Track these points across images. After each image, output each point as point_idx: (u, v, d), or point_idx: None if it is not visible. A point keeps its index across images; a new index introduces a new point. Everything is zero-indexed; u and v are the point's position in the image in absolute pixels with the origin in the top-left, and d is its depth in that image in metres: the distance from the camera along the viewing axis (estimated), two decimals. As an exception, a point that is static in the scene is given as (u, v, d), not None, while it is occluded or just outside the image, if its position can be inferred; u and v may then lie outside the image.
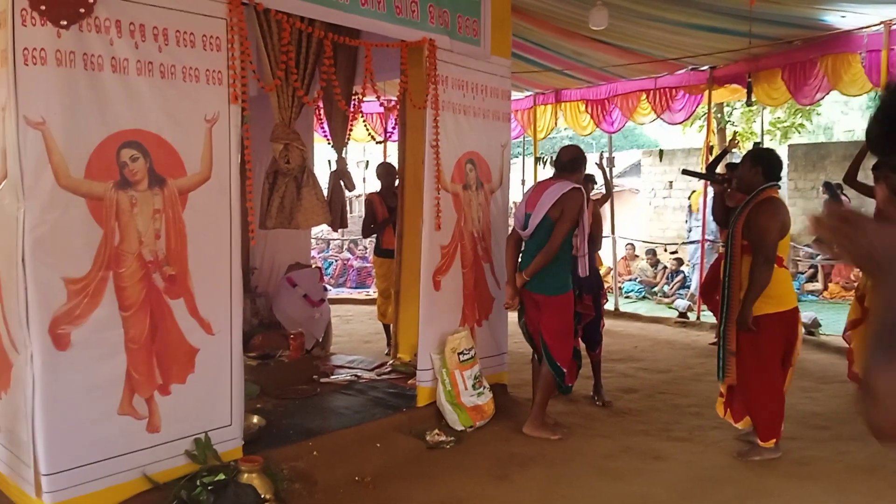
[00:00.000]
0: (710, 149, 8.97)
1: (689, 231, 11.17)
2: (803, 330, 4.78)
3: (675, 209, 17.48)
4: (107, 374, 3.19)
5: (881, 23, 6.31)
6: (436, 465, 4.13)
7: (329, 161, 6.03)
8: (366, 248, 14.32)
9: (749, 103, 8.31)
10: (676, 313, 9.27)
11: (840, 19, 6.45)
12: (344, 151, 5.88)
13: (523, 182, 11.05)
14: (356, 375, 5.53)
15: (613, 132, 9.74)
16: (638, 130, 29.46)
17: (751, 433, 4.34)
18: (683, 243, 13.40)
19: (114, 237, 3.18)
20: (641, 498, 3.71)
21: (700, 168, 10.19)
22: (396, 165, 5.90)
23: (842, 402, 5.39)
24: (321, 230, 14.59)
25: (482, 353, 5.02)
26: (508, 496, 3.76)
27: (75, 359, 3.08)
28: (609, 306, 9.73)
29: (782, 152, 15.64)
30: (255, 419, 4.13)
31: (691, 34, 7.16)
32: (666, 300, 10.82)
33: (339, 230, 8.00)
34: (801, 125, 16.08)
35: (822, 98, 7.39)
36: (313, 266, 6.75)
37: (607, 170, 6.76)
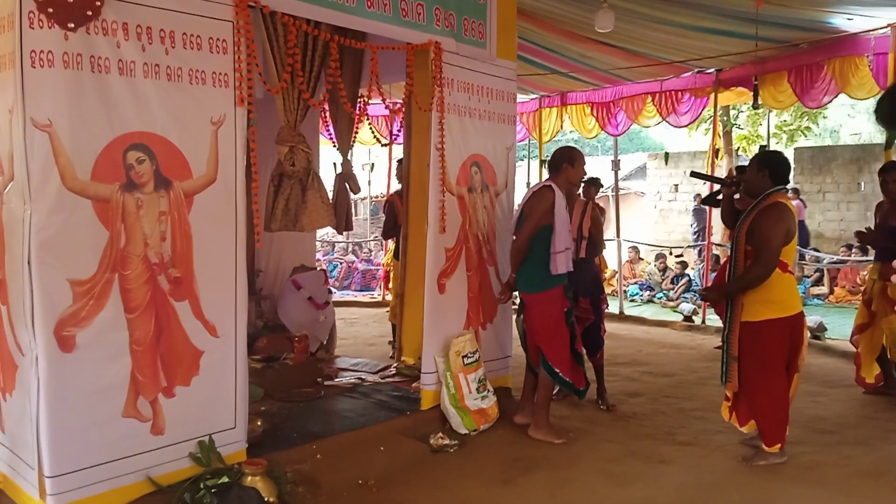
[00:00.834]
0: (715, 152, 8.95)
1: None
2: (809, 334, 4.76)
3: (680, 212, 17.49)
4: (111, 376, 3.19)
5: (888, 25, 6.29)
6: (440, 468, 4.12)
7: (334, 164, 6.04)
8: (370, 251, 14.33)
9: (755, 106, 8.30)
10: (682, 317, 9.25)
11: (847, 22, 6.43)
12: (349, 154, 5.89)
13: (528, 185, 11.04)
14: (360, 378, 5.54)
15: (618, 135, 9.73)
16: (643, 133, 29.45)
17: (756, 437, 4.32)
18: (688, 246, 13.40)
19: (119, 239, 3.18)
20: (646, 502, 3.70)
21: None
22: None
23: (848, 406, 5.37)
24: (326, 233, 14.62)
25: (486, 356, 5.02)
26: (513, 500, 3.75)
27: (80, 361, 3.08)
28: (614, 310, 9.73)
29: (788, 155, 15.63)
30: (259, 422, 4.12)
31: (697, 37, 7.15)
32: (671, 303, 10.80)
33: (344, 233, 7.99)
34: (808, 128, 16.06)
35: (830, 101, 7.37)
36: (318, 269, 6.75)
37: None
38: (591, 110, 9.58)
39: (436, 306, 4.76)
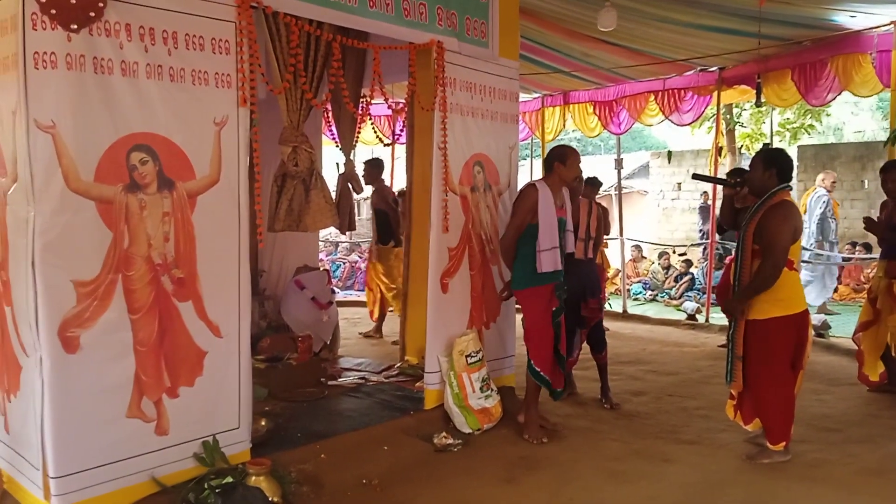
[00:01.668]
0: (719, 150, 8.93)
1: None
2: (813, 332, 4.75)
3: (683, 211, 17.46)
4: (115, 376, 3.20)
5: (891, 23, 6.27)
6: (443, 467, 4.12)
7: (337, 164, 6.04)
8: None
9: (758, 104, 8.28)
10: (685, 315, 9.24)
11: (850, 19, 6.42)
12: (352, 154, 5.90)
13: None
14: (364, 378, 5.54)
15: (621, 133, 9.72)
16: (646, 132, 29.42)
17: (760, 435, 4.32)
18: (692, 245, 13.38)
19: (123, 240, 3.19)
20: (650, 501, 3.69)
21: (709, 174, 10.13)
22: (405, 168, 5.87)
23: (852, 404, 5.36)
24: (329, 233, 14.62)
25: (490, 355, 5.02)
26: (516, 499, 3.75)
27: (84, 361, 3.09)
28: (617, 308, 9.73)
29: (792, 153, 15.57)
30: (263, 422, 4.13)
31: (700, 35, 7.13)
32: (674, 302, 10.79)
33: (347, 233, 7.99)
34: (811, 126, 15.99)
35: (833, 99, 7.35)
36: (321, 269, 6.75)
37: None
38: (594, 109, 9.57)
39: (439, 306, 4.76)
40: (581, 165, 4.77)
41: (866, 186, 14.56)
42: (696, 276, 11.30)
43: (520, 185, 4.99)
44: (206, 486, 3.31)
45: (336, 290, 8.85)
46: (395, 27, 4.41)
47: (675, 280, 11.45)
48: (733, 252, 4.79)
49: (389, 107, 4.87)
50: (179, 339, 3.41)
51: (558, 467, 4.12)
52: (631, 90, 9.03)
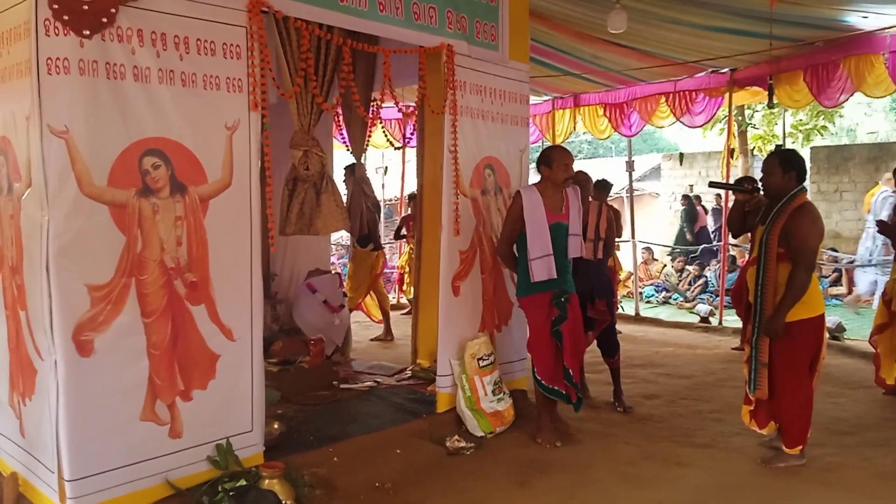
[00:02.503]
0: (731, 152, 8.89)
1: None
2: (828, 335, 4.71)
3: (695, 213, 17.34)
4: (129, 380, 3.21)
5: (904, 23, 6.24)
6: (456, 471, 4.12)
7: (345, 168, 6.05)
8: (385, 254, 14.32)
9: (770, 105, 8.24)
10: (698, 318, 9.19)
11: (862, 20, 6.38)
12: (363, 157, 5.91)
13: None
14: (376, 381, 5.54)
15: (632, 136, 9.69)
16: (657, 134, 29.30)
17: (775, 439, 4.28)
18: (704, 247, 13.32)
19: (136, 244, 3.21)
20: (664, 505, 3.68)
21: (721, 177, 10.09)
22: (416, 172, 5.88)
23: (867, 407, 5.31)
24: (340, 236, 14.64)
25: (502, 358, 5.01)
26: (529, 502, 3.74)
27: (98, 365, 3.10)
28: (630, 311, 9.70)
29: (805, 155, 15.48)
30: (276, 425, 4.14)
31: (711, 36, 7.11)
32: (687, 305, 10.74)
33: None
34: (824, 127, 15.89)
35: (846, 100, 7.31)
36: (333, 272, 6.77)
37: None
38: (605, 111, 9.55)
39: (450, 309, 4.76)
40: (572, 165, 4.54)
41: (880, 188, 14.45)
42: (709, 279, 11.25)
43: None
44: (219, 488, 3.32)
45: (347, 293, 8.85)
46: (405, 31, 4.42)
47: (690, 283, 11.40)
48: (747, 255, 4.76)
49: (400, 110, 4.89)
50: (192, 342, 3.42)
51: (571, 471, 4.10)
52: (642, 92, 9.01)
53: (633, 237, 10.18)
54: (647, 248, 12.84)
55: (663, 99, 8.79)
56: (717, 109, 8.69)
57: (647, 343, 8.03)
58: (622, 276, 11.36)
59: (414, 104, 4.92)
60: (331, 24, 4.09)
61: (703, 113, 8.64)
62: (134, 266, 3.20)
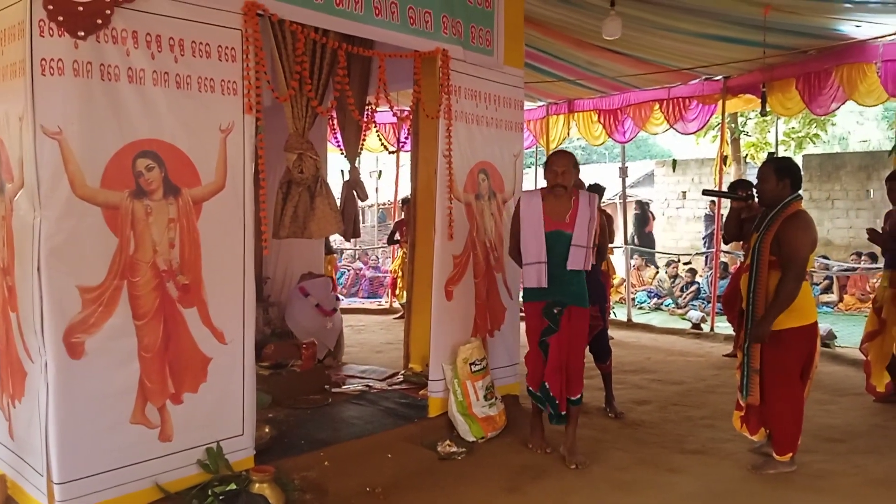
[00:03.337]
0: (724, 159, 8.94)
1: None
2: (820, 343, 4.72)
3: (688, 219, 17.44)
4: (120, 382, 3.20)
5: (896, 32, 6.28)
6: (447, 476, 4.11)
7: (342, 171, 6.05)
8: (378, 258, 14.35)
9: (763, 113, 8.28)
10: (690, 324, 9.22)
11: (855, 29, 6.42)
12: (357, 161, 5.90)
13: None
14: (368, 386, 5.54)
15: (625, 142, 9.73)
16: (651, 140, 29.40)
17: (765, 445, 4.30)
18: (697, 254, 13.37)
19: (129, 246, 3.20)
20: (655, 511, 3.68)
21: (713, 184, 10.13)
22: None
23: (858, 414, 5.33)
24: (334, 240, 14.64)
25: (494, 363, 5.01)
26: (520, 508, 3.74)
27: (89, 367, 3.09)
28: (622, 317, 9.71)
29: (797, 163, 15.56)
30: (267, 429, 4.12)
31: (705, 44, 7.14)
32: (679, 311, 10.77)
33: (352, 240, 8.00)
34: (816, 135, 16.01)
35: (838, 108, 7.36)
36: (325, 276, 6.76)
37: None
38: (599, 117, 9.59)
39: (443, 313, 4.76)
40: (561, 169, 4.25)
41: (871, 196, 14.54)
42: (701, 286, 11.28)
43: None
44: (209, 492, 3.31)
45: (340, 297, 8.85)
46: (400, 35, 4.42)
47: (682, 290, 11.43)
48: (739, 262, 4.77)
49: (394, 114, 4.88)
50: (184, 345, 3.41)
51: (562, 476, 4.10)
52: (636, 99, 9.04)
53: (625, 243, 10.20)
54: (641, 255, 12.87)
55: (657, 105, 8.84)
56: (711, 116, 8.73)
57: (639, 349, 8.04)
58: (615, 281, 11.38)
59: (409, 108, 4.92)
60: (326, 27, 4.09)
61: (697, 120, 8.68)
62: (126, 268, 3.19)
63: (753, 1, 5.82)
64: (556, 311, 4.28)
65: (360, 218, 7.97)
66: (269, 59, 3.98)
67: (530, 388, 4.44)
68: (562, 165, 4.29)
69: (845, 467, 4.20)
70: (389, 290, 10.96)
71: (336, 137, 5.85)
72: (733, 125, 14.36)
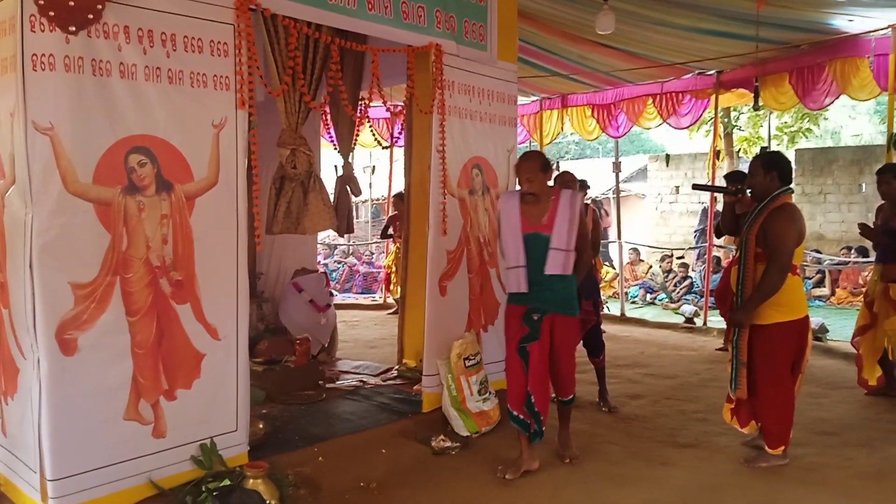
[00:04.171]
0: (716, 153, 8.94)
1: None
2: (812, 337, 4.75)
3: (681, 214, 17.48)
4: (113, 379, 3.20)
5: (889, 26, 6.28)
6: (441, 470, 4.12)
7: (335, 166, 6.04)
8: (372, 254, 14.34)
9: (756, 108, 8.29)
10: (683, 319, 9.24)
11: (847, 23, 6.43)
12: (350, 156, 5.89)
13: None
14: (362, 381, 5.54)
15: (619, 137, 9.73)
16: (644, 135, 29.43)
17: (757, 438, 4.32)
18: (690, 248, 13.40)
19: (121, 242, 3.19)
20: (648, 504, 3.70)
21: (707, 178, 10.15)
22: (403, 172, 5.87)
23: (850, 408, 5.36)
24: (327, 235, 14.61)
25: (488, 358, 5.01)
26: (514, 501, 3.74)
27: (82, 364, 3.08)
28: (615, 311, 9.73)
29: (789, 157, 15.61)
30: (261, 424, 4.12)
31: (698, 38, 7.14)
32: (672, 305, 10.80)
33: (346, 235, 8.00)
34: (809, 130, 16.04)
35: (831, 102, 7.36)
36: (319, 271, 6.75)
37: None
38: (592, 112, 9.58)
39: (437, 309, 4.76)
40: (525, 174, 3.97)
41: (863, 190, 14.59)
42: (694, 280, 11.31)
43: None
44: (203, 488, 3.31)
45: (334, 292, 8.84)
46: (393, 30, 4.41)
47: (675, 285, 11.46)
48: (732, 256, 4.79)
49: (388, 109, 4.89)
50: (177, 341, 3.41)
51: (556, 470, 4.12)
52: (629, 93, 9.04)
53: (619, 238, 10.22)
54: (634, 249, 12.89)
55: (650, 100, 8.83)
56: (704, 111, 8.73)
57: (633, 343, 8.06)
58: (607, 276, 11.42)
59: (402, 103, 4.92)
60: (319, 22, 4.09)
61: (690, 114, 8.68)
62: (119, 264, 3.18)
63: (746, -5, 5.83)
64: (535, 317, 4.00)
65: (354, 213, 7.98)
66: (261, 54, 3.97)
67: (511, 411, 4.04)
68: (527, 171, 3.98)
69: (837, 460, 4.23)
70: (383, 286, 10.95)
71: (329, 132, 5.83)
72: (726, 120, 14.39)
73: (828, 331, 7.76)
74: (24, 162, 2.94)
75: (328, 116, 5.77)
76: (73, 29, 2.97)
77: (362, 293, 12.65)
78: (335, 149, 5.88)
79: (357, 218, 17.77)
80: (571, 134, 11.62)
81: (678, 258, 12.51)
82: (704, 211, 14.23)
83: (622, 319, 9.54)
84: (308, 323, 5.94)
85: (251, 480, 3.39)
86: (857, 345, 5.68)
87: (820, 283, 11.47)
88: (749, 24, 6.30)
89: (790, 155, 15.64)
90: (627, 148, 28.56)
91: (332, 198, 5.47)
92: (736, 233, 4.84)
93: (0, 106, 3.13)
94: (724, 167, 13.20)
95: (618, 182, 10.57)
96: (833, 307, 10.66)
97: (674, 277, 11.61)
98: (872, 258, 5.90)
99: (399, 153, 9.50)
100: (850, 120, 26.62)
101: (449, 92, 4.74)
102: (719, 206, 6.62)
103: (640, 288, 11.83)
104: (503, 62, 5.24)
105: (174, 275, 3.38)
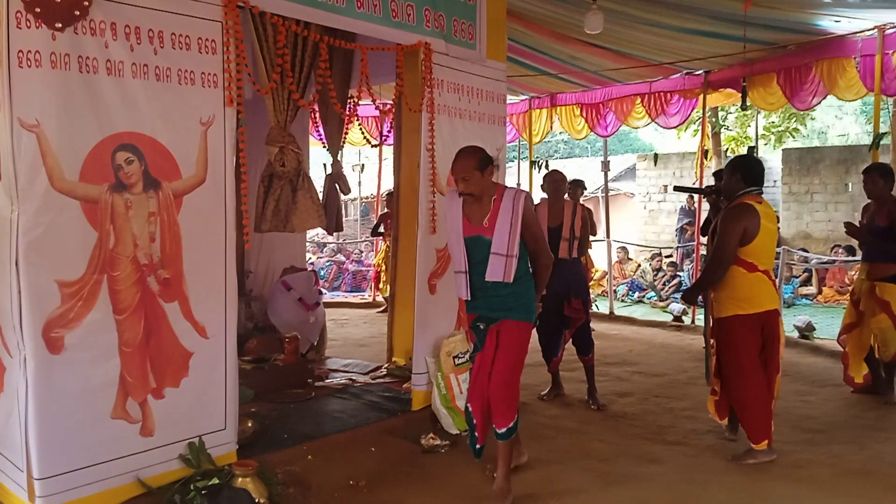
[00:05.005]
0: (704, 153, 8.99)
1: None
2: (787, 332, 4.83)
3: (669, 213, 17.53)
4: (100, 377, 3.18)
5: (875, 27, 6.33)
6: (431, 468, 4.12)
7: (324, 164, 6.04)
8: (361, 252, 14.32)
9: (744, 107, 8.33)
10: (671, 317, 9.28)
11: (834, 24, 6.47)
12: (339, 154, 5.89)
13: (518, 185, 11.06)
14: (351, 379, 5.53)
15: (608, 136, 9.76)
16: (633, 134, 29.53)
17: (726, 430, 4.50)
18: (678, 247, 13.46)
19: (108, 240, 3.17)
20: (636, 501, 3.70)
21: (694, 177, 10.21)
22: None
23: (836, 405, 5.40)
24: (316, 233, 14.58)
25: (477, 356, 5.01)
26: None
27: (69, 362, 3.06)
28: (604, 310, 9.77)
29: (777, 157, 15.70)
30: (250, 423, 4.11)
31: (686, 38, 7.18)
32: (661, 304, 10.84)
33: (335, 233, 7.98)
34: (796, 130, 16.16)
35: (818, 103, 7.42)
36: (308, 269, 6.74)
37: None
38: (581, 111, 9.61)
39: (426, 307, 4.76)
40: (459, 173, 3.62)
41: (850, 190, 14.69)
42: (683, 279, 11.36)
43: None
44: (191, 487, 3.29)
45: (323, 291, 8.82)
46: (382, 28, 4.41)
47: (664, 283, 11.50)
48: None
49: (377, 108, 4.89)
50: (165, 339, 3.39)
51: (545, 468, 4.13)
52: (618, 93, 9.07)
53: (608, 236, 10.25)
54: (623, 248, 12.93)
55: (639, 100, 8.87)
56: (692, 111, 8.79)
57: (621, 341, 8.09)
58: (597, 274, 11.44)
59: (391, 102, 4.91)
60: (308, 20, 4.07)
61: (678, 114, 8.73)
62: (106, 262, 3.16)
63: (734, -4, 5.85)
64: (481, 326, 3.70)
65: (343, 211, 7.96)
66: (250, 51, 3.96)
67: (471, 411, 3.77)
68: (462, 170, 3.59)
69: (823, 457, 4.26)
70: (373, 284, 10.94)
71: (318, 131, 5.83)
72: (714, 119, 14.46)
73: (815, 329, 7.81)
74: (9, 159, 2.92)
75: (317, 114, 5.76)
76: (60, 25, 2.95)
77: (351, 291, 12.63)
78: (324, 147, 5.88)
79: (346, 216, 17.74)
80: (560, 133, 11.66)
81: (667, 257, 12.56)
82: (682, 209, 14.31)
83: (611, 317, 9.57)
84: (297, 321, 5.93)
85: (240, 479, 3.37)
86: (843, 343, 5.72)
87: (807, 282, 11.54)
88: (737, 25, 6.33)
89: (777, 154, 15.73)
90: (616, 147, 28.63)
91: (321, 196, 5.46)
92: None
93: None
94: (711, 166, 13.26)
95: (606, 181, 10.60)
96: (820, 305, 10.73)
97: (663, 276, 11.66)
98: (859, 257, 5.95)
99: (388, 151, 9.49)
100: (837, 120, 26.79)
101: (438, 90, 4.74)
102: (706, 205, 6.67)
103: (625, 286, 11.87)
104: (492, 61, 5.24)
105: (162, 273, 3.36)
